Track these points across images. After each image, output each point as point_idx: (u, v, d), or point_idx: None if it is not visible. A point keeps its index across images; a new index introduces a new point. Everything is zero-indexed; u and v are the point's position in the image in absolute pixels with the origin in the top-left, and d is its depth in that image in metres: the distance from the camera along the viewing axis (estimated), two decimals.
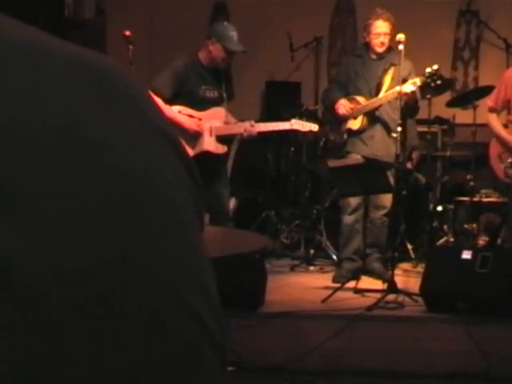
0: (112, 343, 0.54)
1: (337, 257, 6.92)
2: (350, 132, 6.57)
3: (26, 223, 0.52)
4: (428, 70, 6.17)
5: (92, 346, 0.52)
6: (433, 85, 6.23)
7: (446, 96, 6.98)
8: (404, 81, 6.20)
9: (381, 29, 6.39)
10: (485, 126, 6.45)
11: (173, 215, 0.61)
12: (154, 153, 0.61)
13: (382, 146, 6.44)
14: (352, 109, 6.47)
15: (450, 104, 7.28)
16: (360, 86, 6.53)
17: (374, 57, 6.54)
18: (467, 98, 7.04)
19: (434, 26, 8.84)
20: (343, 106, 6.48)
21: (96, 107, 0.58)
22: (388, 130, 6.41)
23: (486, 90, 6.56)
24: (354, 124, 6.53)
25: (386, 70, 6.45)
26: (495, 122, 6.31)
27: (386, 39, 6.39)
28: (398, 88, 6.08)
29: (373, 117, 6.48)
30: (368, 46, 6.56)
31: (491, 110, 6.33)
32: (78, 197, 0.55)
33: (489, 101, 6.36)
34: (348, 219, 6.50)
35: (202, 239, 0.65)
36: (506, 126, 6.30)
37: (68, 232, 0.53)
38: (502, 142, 6.20)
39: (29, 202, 0.52)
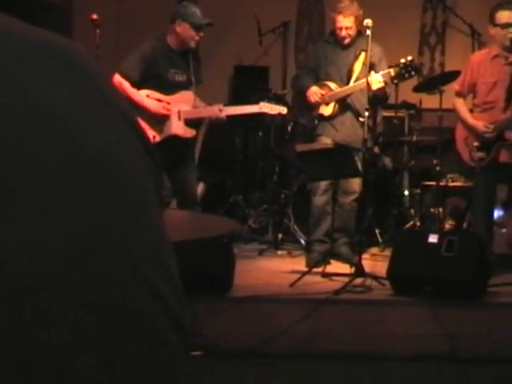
0: (89, 328, 0.54)
1: (305, 241, 6.95)
2: (321, 117, 6.59)
3: (6, 215, 0.52)
4: (402, 60, 6.20)
5: (74, 334, 0.53)
6: (407, 75, 6.27)
7: (413, 81, 7.00)
8: (372, 66, 6.23)
9: (342, 23, 6.40)
10: (451, 111, 6.49)
11: (136, 196, 0.61)
12: (117, 134, 0.62)
13: (351, 131, 6.47)
14: (323, 95, 6.49)
15: (417, 89, 7.30)
16: (330, 72, 6.55)
17: (343, 43, 6.54)
18: (434, 83, 7.06)
19: (400, 12, 8.87)
20: (315, 93, 6.48)
21: (63, 90, 0.59)
22: (358, 116, 6.44)
23: (453, 76, 6.60)
24: (326, 110, 6.54)
25: (356, 57, 6.47)
26: (462, 107, 6.36)
27: (347, 33, 6.41)
28: (374, 77, 6.09)
29: (344, 103, 6.50)
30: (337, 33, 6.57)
31: (458, 94, 6.38)
32: (50, 184, 0.55)
33: (455, 85, 6.41)
34: (318, 200, 6.51)
35: (163, 219, 0.65)
36: (471, 111, 6.35)
37: (44, 222, 0.54)
38: (468, 126, 6.25)
39: (6, 193, 0.53)
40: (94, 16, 6.45)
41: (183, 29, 5.87)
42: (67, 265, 0.54)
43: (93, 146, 0.58)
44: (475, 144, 6.14)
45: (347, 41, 6.45)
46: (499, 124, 6.06)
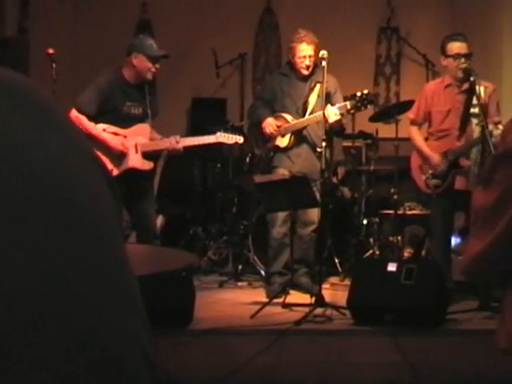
0: (54, 368, 0.54)
1: (265, 272, 6.94)
2: (277, 149, 6.62)
3: None
4: (358, 93, 6.26)
5: (35, 373, 0.53)
6: (362, 108, 6.33)
7: (369, 111, 7.08)
8: (328, 95, 6.29)
9: (305, 52, 6.45)
10: (407, 139, 6.56)
11: (104, 228, 0.61)
12: (81, 168, 0.62)
13: (308, 163, 6.51)
14: (279, 127, 6.52)
15: (373, 119, 7.38)
16: (286, 104, 6.59)
17: (299, 75, 6.60)
18: (389, 112, 7.14)
19: (355, 43, 8.98)
20: (270, 125, 6.53)
21: (25, 126, 0.59)
22: (314, 147, 6.48)
23: (408, 105, 6.68)
24: (282, 142, 6.58)
25: (311, 89, 6.53)
26: (416, 135, 6.43)
27: (310, 62, 6.46)
28: (330, 110, 6.15)
29: (300, 135, 6.55)
30: (293, 66, 6.61)
31: (412, 122, 6.46)
32: (16, 219, 0.55)
33: (410, 114, 6.48)
34: (277, 233, 6.52)
35: (126, 253, 0.65)
36: (426, 139, 6.43)
37: (5, 255, 0.54)
38: (423, 156, 6.32)
39: None
40: (51, 50, 6.43)
41: (139, 61, 5.88)
42: (26, 300, 0.54)
43: (55, 180, 0.58)
44: (430, 172, 6.21)
45: (307, 71, 6.49)
46: (454, 152, 6.14)
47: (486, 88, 6.09)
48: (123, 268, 0.63)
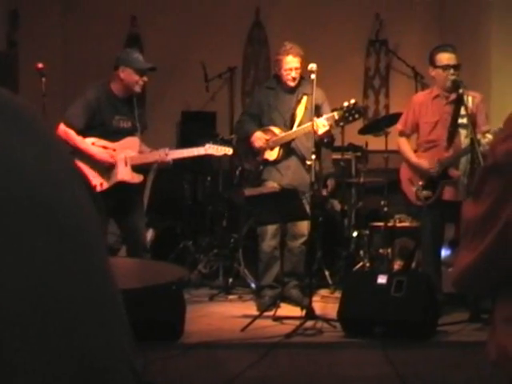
0: (39, 381, 0.53)
1: (256, 285, 6.94)
2: (266, 162, 6.62)
3: None
4: (345, 104, 6.26)
5: None
6: (351, 119, 6.33)
7: (359, 123, 7.10)
8: (317, 107, 6.30)
9: (291, 64, 6.47)
10: (397, 152, 6.58)
11: (86, 240, 0.61)
12: (66, 183, 0.62)
13: (297, 175, 6.51)
14: (268, 140, 6.53)
15: (363, 131, 7.41)
16: (274, 117, 6.60)
17: (286, 88, 6.60)
18: (379, 125, 7.16)
19: (344, 56, 9.01)
20: (259, 139, 6.53)
21: (16, 143, 0.59)
22: (303, 159, 6.47)
23: (397, 117, 6.69)
24: (271, 155, 6.58)
25: (298, 101, 6.54)
26: (405, 146, 6.45)
27: (297, 74, 6.47)
28: (318, 121, 6.15)
29: (289, 148, 6.55)
30: (279, 78, 6.62)
31: (401, 133, 6.47)
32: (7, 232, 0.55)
33: (398, 125, 6.50)
34: (267, 246, 6.51)
35: (110, 265, 0.65)
36: (415, 150, 6.44)
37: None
38: (412, 165, 6.33)
39: None
40: (40, 65, 6.43)
41: (127, 74, 5.89)
42: (18, 320, 0.53)
43: (43, 190, 0.58)
44: (420, 183, 6.22)
45: (294, 83, 6.50)
46: (443, 162, 6.16)
47: (473, 98, 6.12)
48: (108, 279, 0.63)
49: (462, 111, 6.05)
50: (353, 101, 6.29)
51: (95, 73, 7.36)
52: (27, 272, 0.55)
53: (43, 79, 6.43)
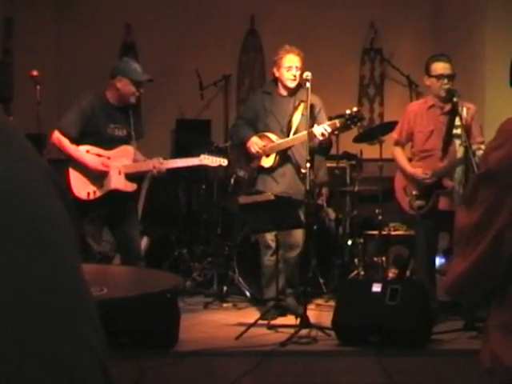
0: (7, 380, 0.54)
1: (250, 293, 6.94)
2: (261, 169, 6.58)
3: None
4: (348, 111, 6.20)
5: None
6: (353, 126, 6.29)
7: (353, 132, 7.11)
8: (313, 115, 6.29)
9: (292, 62, 6.36)
10: (391, 160, 6.58)
11: (61, 249, 0.62)
12: (42, 194, 0.63)
13: (293, 183, 6.46)
14: (264, 146, 6.49)
15: (357, 139, 7.41)
16: (270, 123, 6.52)
17: (283, 93, 6.52)
18: (373, 133, 7.17)
19: (339, 64, 9.03)
20: (256, 144, 6.45)
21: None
22: (299, 168, 6.42)
23: (392, 126, 6.70)
24: (267, 162, 6.52)
25: (296, 107, 6.48)
26: (400, 156, 6.46)
27: (297, 73, 6.35)
28: (317, 129, 6.13)
29: (285, 155, 6.48)
30: (277, 83, 6.56)
31: (396, 143, 6.48)
32: None
33: (393, 134, 6.51)
34: (268, 261, 6.47)
35: (83, 273, 0.66)
36: (410, 160, 6.45)
37: None
38: (407, 174, 6.34)
39: None
40: (35, 72, 6.44)
41: (123, 84, 5.89)
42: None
43: (19, 200, 0.59)
44: (414, 192, 6.22)
45: (293, 84, 6.37)
46: (437, 172, 6.17)
47: (468, 109, 6.13)
48: (81, 287, 0.64)
49: (457, 121, 6.06)
50: (355, 109, 6.25)
51: (90, 80, 7.37)
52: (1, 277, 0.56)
53: (38, 87, 6.44)
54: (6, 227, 0.58)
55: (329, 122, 6.20)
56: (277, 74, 6.51)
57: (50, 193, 0.65)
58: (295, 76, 6.37)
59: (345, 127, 6.24)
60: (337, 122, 6.18)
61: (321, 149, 6.52)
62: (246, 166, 6.70)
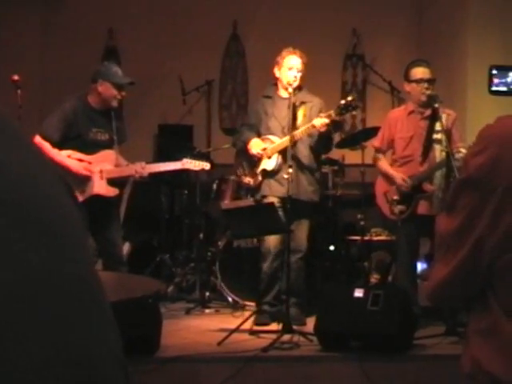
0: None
1: (233, 299, 6.94)
2: (265, 173, 6.49)
3: None
4: (342, 101, 6.18)
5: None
6: (345, 112, 6.25)
7: (336, 137, 7.12)
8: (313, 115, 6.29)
9: (294, 62, 6.35)
10: (373, 166, 6.61)
11: (77, 247, 0.62)
12: (55, 191, 0.63)
13: (299, 184, 6.33)
14: (265, 149, 6.40)
15: (340, 145, 7.43)
16: (271, 125, 6.46)
17: (283, 95, 6.46)
18: (356, 139, 7.20)
19: (321, 70, 9.03)
20: (257, 145, 6.39)
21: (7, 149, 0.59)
22: (302, 167, 6.35)
23: (374, 131, 6.74)
24: (269, 164, 6.46)
25: (296, 108, 6.39)
26: (381, 161, 6.49)
27: (298, 74, 6.32)
28: (316, 121, 6.09)
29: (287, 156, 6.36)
30: (277, 86, 6.54)
31: (377, 150, 6.52)
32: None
33: (374, 141, 6.55)
34: (268, 268, 6.40)
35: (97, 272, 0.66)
36: (390, 165, 6.47)
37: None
38: (389, 178, 6.36)
39: None
40: (15, 77, 6.43)
41: (105, 88, 5.88)
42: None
43: (31, 195, 0.59)
44: (395, 197, 6.24)
45: (295, 84, 6.29)
46: (417, 176, 6.20)
47: (448, 115, 6.16)
48: (96, 284, 0.64)
49: (437, 126, 6.10)
50: (350, 98, 6.24)
51: (72, 85, 7.34)
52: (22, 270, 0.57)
53: (19, 91, 6.42)
54: (16, 218, 0.57)
55: (323, 114, 6.15)
56: (277, 74, 6.47)
57: (60, 188, 0.65)
58: (296, 77, 6.32)
59: (339, 115, 6.20)
60: (332, 113, 6.13)
61: (321, 144, 6.40)
62: (251, 171, 6.61)
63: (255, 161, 6.51)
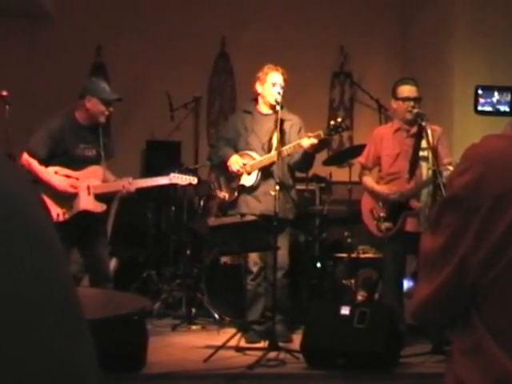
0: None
1: (219, 315, 6.92)
2: (242, 188, 6.50)
3: None
4: (332, 122, 6.23)
5: None
6: (334, 133, 6.28)
7: (323, 154, 7.14)
8: (294, 133, 6.31)
9: (276, 78, 6.38)
10: (360, 183, 6.63)
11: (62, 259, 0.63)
12: (39, 208, 0.64)
13: (277, 202, 6.32)
14: (245, 164, 6.44)
15: (327, 162, 7.44)
16: (251, 141, 6.47)
17: (264, 112, 6.51)
18: (343, 156, 7.22)
19: (309, 87, 9.07)
20: (236, 162, 6.41)
21: None
22: (281, 185, 6.29)
23: (361, 149, 6.75)
24: (249, 180, 6.47)
25: (276, 126, 6.40)
26: (367, 178, 6.50)
27: (281, 90, 6.32)
28: (305, 141, 6.12)
29: (267, 173, 6.40)
30: (257, 101, 6.56)
31: (363, 167, 6.53)
32: None
33: (360, 158, 6.56)
34: (250, 285, 6.43)
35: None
36: (377, 183, 6.49)
37: None
38: (376, 194, 6.37)
39: None
40: (4, 92, 6.43)
41: (93, 104, 5.89)
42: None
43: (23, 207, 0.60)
44: (382, 214, 6.25)
45: (279, 99, 6.25)
46: (404, 193, 6.21)
47: (433, 131, 6.16)
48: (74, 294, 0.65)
49: (424, 144, 6.12)
50: (339, 119, 6.29)
51: (60, 101, 7.34)
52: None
53: (7, 107, 6.42)
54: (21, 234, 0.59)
55: (312, 134, 6.16)
56: (259, 90, 6.51)
57: (38, 201, 0.67)
58: (279, 93, 6.31)
59: (328, 135, 6.23)
60: (321, 133, 6.14)
61: (302, 162, 6.40)
62: (227, 186, 6.61)
63: (233, 176, 6.51)
